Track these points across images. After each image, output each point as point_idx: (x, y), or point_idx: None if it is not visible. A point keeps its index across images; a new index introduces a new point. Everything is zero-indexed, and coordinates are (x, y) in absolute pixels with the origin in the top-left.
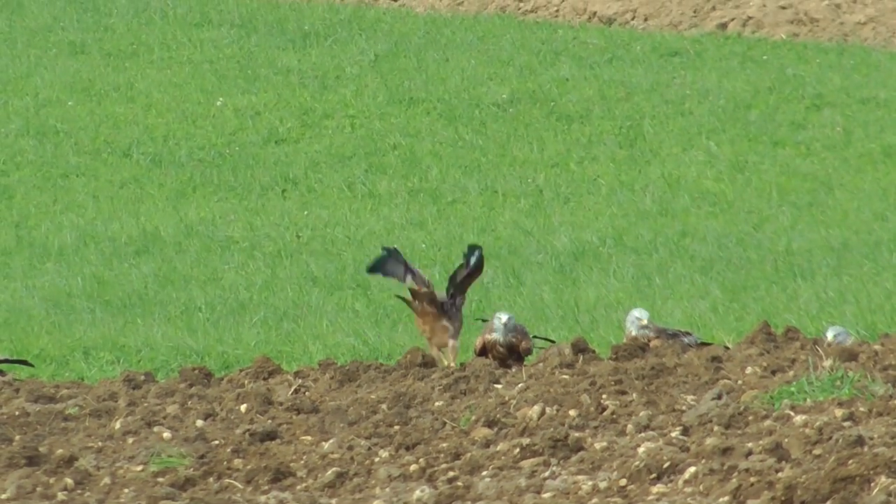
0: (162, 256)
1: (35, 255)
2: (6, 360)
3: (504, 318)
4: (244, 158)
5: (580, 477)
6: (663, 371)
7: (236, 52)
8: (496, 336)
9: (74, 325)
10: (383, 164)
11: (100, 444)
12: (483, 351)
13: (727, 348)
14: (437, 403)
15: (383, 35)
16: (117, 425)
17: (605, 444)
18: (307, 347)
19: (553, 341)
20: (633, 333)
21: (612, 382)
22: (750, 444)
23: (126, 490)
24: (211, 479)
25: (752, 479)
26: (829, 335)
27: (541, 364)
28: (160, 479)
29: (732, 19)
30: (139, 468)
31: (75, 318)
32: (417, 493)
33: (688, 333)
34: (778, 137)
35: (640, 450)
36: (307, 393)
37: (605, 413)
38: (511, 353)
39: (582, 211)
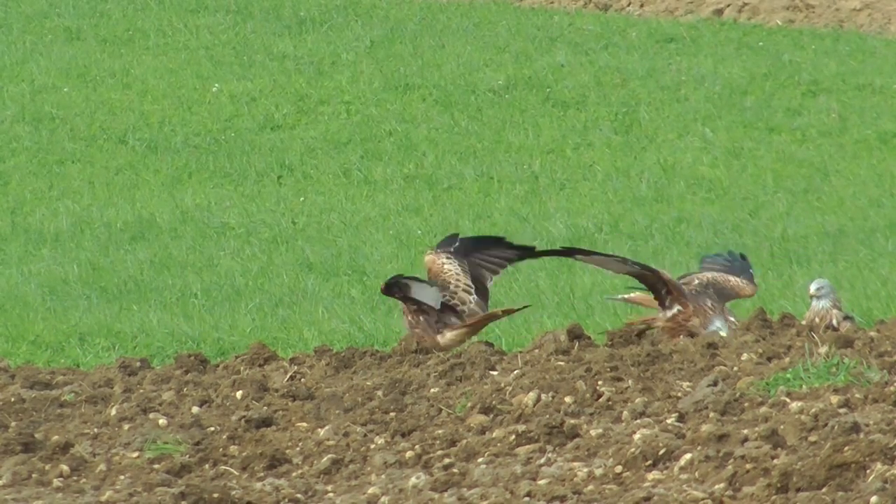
0: (158, 243)
1: (31, 241)
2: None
3: (725, 331)
4: (240, 145)
5: (576, 464)
6: (659, 357)
7: (232, 38)
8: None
9: (70, 312)
10: (379, 151)
11: (95, 430)
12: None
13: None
14: (432, 390)
15: (379, 21)
16: (113, 412)
17: (600, 430)
18: (303, 334)
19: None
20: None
21: (608, 369)
22: (746, 431)
23: (122, 477)
24: (206, 466)
25: (748, 466)
26: (813, 288)
27: (536, 350)
28: (156, 466)
29: (728, 5)
30: (135, 455)
31: (71, 305)
32: (413, 479)
33: None
34: (773, 124)
35: (636, 436)
36: (303, 379)
37: (600, 400)
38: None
39: (577, 197)
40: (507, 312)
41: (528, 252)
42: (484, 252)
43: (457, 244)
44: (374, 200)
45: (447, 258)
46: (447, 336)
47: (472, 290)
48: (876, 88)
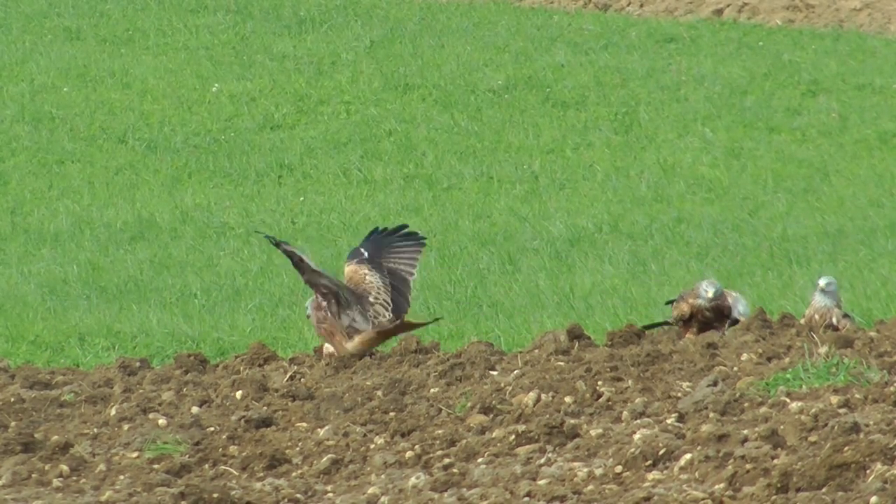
0: (157, 242)
1: (30, 241)
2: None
3: (711, 291)
4: (239, 144)
5: (576, 464)
6: (659, 358)
7: (232, 38)
8: (701, 302)
9: (70, 312)
10: (379, 151)
11: (95, 430)
12: (690, 317)
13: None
14: (432, 390)
15: (379, 21)
16: (113, 412)
17: (600, 430)
18: (302, 334)
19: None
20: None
21: (608, 369)
22: (745, 431)
23: (121, 477)
24: (206, 466)
25: (748, 466)
26: (823, 282)
27: (536, 350)
28: (155, 466)
29: (728, 5)
30: (135, 455)
31: (71, 305)
32: (413, 479)
33: None
34: (773, 123)
35: (636, 437)
36: (302, 379)
37: (600, 400)
38: (717, 317)
39: (577, 197)
40: (417, 325)
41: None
42: (392, 250)
43: (366, 253)
44: (374, 200)
45: (369, 269)
46: (355, 341)
47: (389, 308)
48: (876, 88)
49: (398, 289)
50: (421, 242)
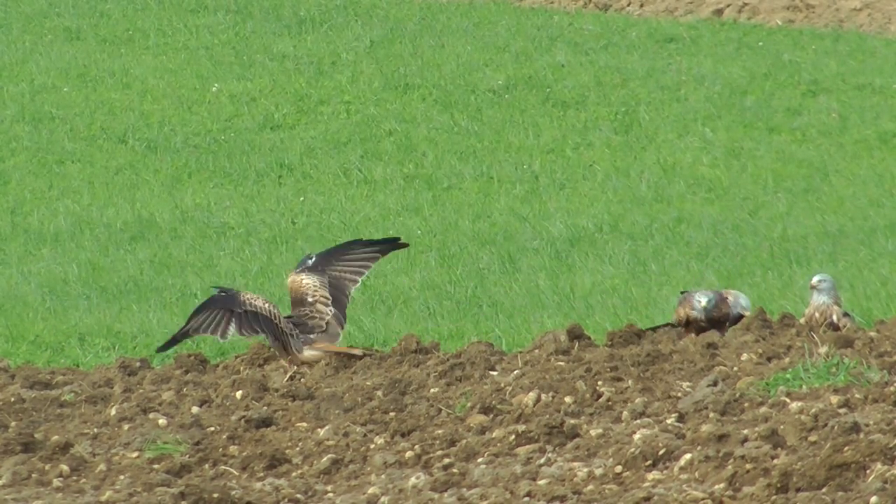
0: (157, 242)
1: (30, 241)
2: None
3: (703, 300)
4: (240, 144)
5: (576, 464)
6: (659, 358)
7: (232, 38)
8: (696, 314)
9: (70, 312)
10: (379, 151)
11: (95, 430)
12: (688, 322)
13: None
14: (432, 390)
15: (379, 21)
16: (113, 412)
17: (600, 430)
18: None
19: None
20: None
21: (608, 369)
22: (745, 431)
23: (121, 477)
24: (206, 466)
25: (748, 466)
26: (814, 279)
27: (536, 350)
28: (156, 466)
29: (728, 5)
30: (135, 455)
31: (71, 305)
32: (413, 479)
33: None
34: (773, 124)
35: (636, 437)
36: (302, 379)
37: (600, 400)
38: (714, 325)
39: (577, 197)
40: (366, 354)
41: (389, 244)
42: (342, 259)
43: (312, 261)
44: (374, 200)
45: (306, 275)
46: (305, 354)
47: (329, 302)
48: (876, 88)
49: (338, 290)
50: (383, 250)
